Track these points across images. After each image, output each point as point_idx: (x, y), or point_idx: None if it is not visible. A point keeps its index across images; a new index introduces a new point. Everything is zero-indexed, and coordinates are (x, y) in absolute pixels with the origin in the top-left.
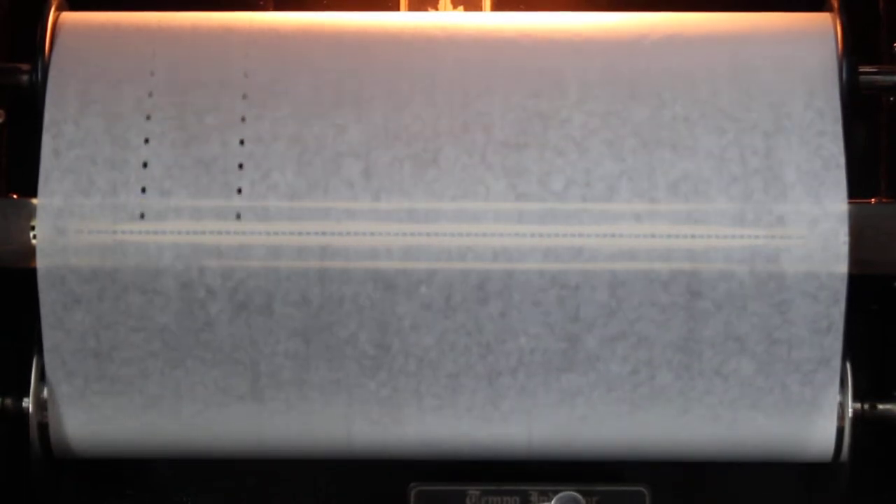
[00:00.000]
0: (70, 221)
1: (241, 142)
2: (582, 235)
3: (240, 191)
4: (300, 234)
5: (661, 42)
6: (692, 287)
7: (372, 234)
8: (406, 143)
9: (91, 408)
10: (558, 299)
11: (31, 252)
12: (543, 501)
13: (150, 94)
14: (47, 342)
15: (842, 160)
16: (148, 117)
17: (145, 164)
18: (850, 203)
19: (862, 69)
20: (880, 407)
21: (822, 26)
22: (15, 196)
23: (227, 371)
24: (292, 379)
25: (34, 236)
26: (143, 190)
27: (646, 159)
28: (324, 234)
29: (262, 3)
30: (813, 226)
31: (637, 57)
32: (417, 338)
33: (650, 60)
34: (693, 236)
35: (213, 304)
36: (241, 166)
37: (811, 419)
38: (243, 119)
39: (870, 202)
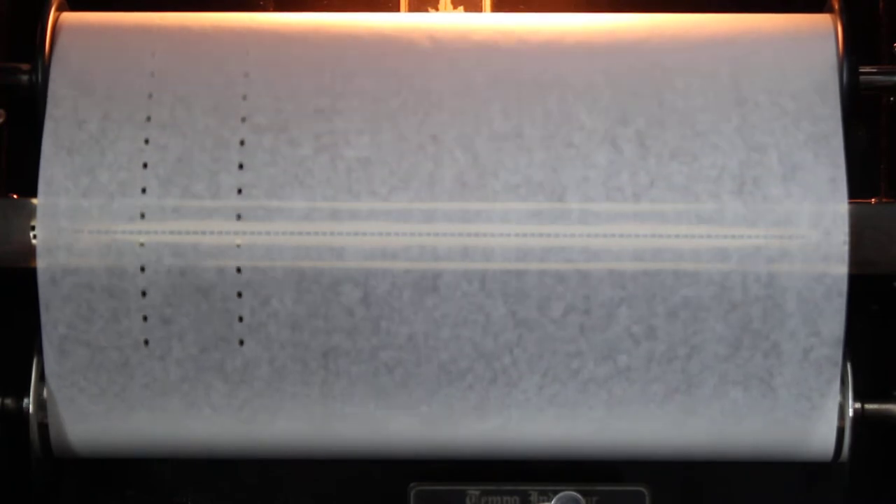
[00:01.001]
0: (70, 221)
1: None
2: (582, 236)
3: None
4: (300, 234)
5: (660, 43)
6: (692, 287)
7: (375, 233)
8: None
9: (91, 408)
10: (558, 300)
11: (31, 252)
12: (543, 501)
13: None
14: (47, 342)
15: (842, 160)
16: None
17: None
18: (850, 203)
19: (862, 69)
20: (880, 407)
21: (823, 27)
22: (15, 196)
23: (225, 372)
24: (292, 379)
25: (34, 236)
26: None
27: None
28: (324, 233)
29: (262, 3)
30: (813, 226)
31: (635, 57)
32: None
33: (648, 61)
34: (693, 236)
35: (213, 303)
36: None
37: (811, 419)
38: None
39: (870, 202)
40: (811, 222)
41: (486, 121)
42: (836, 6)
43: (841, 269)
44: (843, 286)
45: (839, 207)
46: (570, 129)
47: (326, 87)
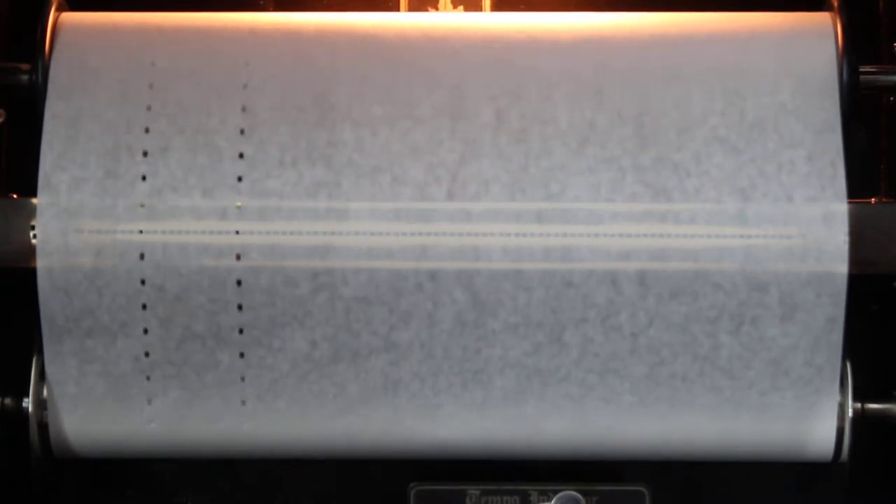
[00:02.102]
0: (70, 221)
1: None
2: (578, 235)
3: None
4: (301, 233)
5: (659, 42)
6: (691, 287)
7: (375, 233)
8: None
9: (91, 408)
10: (558, 300)
11: (31, 252)
12: (543, 501)
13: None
14: (47, 342)
15: (842, 160)
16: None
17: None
18: (850, 203)
19: (862, 69)
20: (880, 407)
21: (823, 26)
22: (15, 196)
23: (226, 371)
24: (291, 379)
25: (34, 236)
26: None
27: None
28: (325, 233)
29: (262, 3)
30: (813, 226)
31: (634, 58)
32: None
33: (647, 61)
34: (692, 236)
35: (213, 305)
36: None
37: (811, 419)
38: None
39: (870, 202)
40: (811, 222)
41: None
42: (836, 5)
43: (841, 269)
44: (843, 286)
45: (839, 207)
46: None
47: (326, 77)
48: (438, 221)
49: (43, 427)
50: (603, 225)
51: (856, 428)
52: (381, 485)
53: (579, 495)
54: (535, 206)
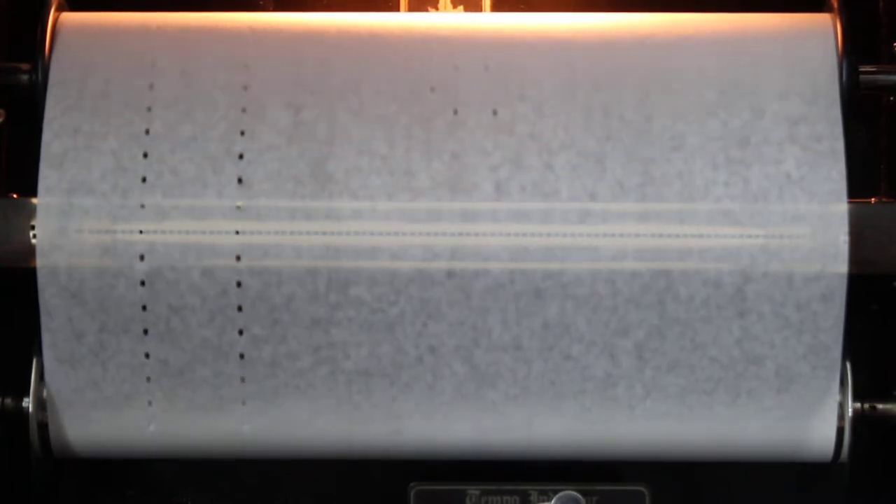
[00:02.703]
0: (70, 221)
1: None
2: (583, 235)
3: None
4: (300, 233)
5: (658, 43)
6: (691, 286)
7: (377, 233)
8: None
9: (91, 408)
10: (558, 300)
11: (31, 252)
12: (543, 501)
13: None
14: (47, 342)
15: (842, 160)
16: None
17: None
18: (850, 203)
19: (862, 69)
20: (880, 407)
21: (823, 26)
22: (15, 196)
23: (225, 371)
24: (290, 380)
25: (34, 236)
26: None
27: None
28: (325, 233)
29: (262, 3)
30: (813, 226)
31: (633, 58)
32: (417, 339)
33: (646, 61)
34: (692, 236)
35: (213, 305)
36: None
37: (811, 419)
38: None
39: (870, 202)
40: (811, 222)
41: None
42: (836, 5)
43: (841, 269)
44: (843, 286)
45: (839, 207)
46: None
47: (328, 88)
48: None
49: (43, 427)
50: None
51: (856, 428)
52: (381, 485)
53: (579, 495)
54: (533, 284)
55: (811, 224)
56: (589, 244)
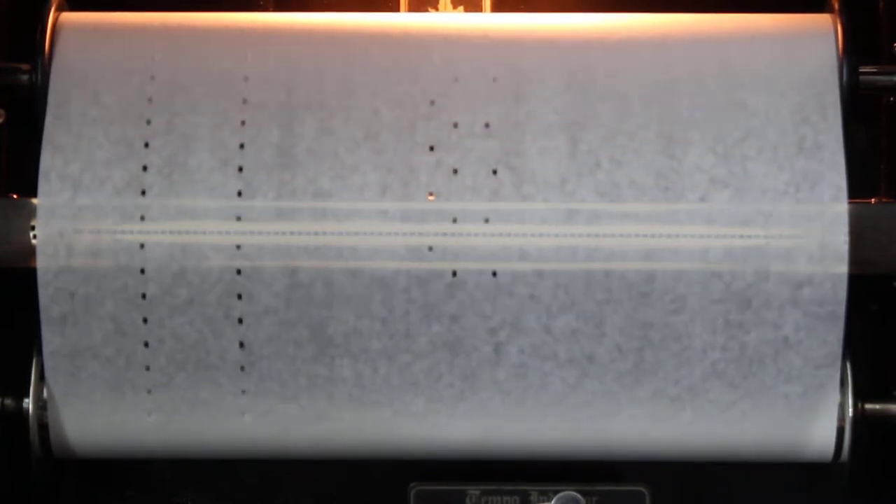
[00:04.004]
0: (70, 221)
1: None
2: (591, 236)
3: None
4: (300, 233)
5: (658, 43)
6: (691, 287)
7: (375, 233)
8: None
9: (91, 408)
10: (558, 300)
11: (31, 252)
12: (543, 501)
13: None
14: (47, 342)
15: (842, 160)
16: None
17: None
18: (850, 203)
19: (862, 69)
20: (880, 407)
21: (823, 27)
22: (15, 196)
23: (224, 371)
24: (290, 380)
25: (34, 236)
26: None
27: (644, 164)
28: (324, 233)
29: (262, 3)
30: (813, 226)
31: (633, 58)
32: (416, 339)
33: (647, 61)
34: (692, 236)
35: (213, 305)
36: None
37: (811, 419)
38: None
39: (870, 202)
40: (811, 222)
41: None
42: (836, 6)
43: (841, 269)
44: (843, 286)
45: (839, 207)
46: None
47: (328, 89)
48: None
49: (43, 427)
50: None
51: (856, 428)
52: (381, 485)
53: (579, 495)
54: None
55: (811, 224)
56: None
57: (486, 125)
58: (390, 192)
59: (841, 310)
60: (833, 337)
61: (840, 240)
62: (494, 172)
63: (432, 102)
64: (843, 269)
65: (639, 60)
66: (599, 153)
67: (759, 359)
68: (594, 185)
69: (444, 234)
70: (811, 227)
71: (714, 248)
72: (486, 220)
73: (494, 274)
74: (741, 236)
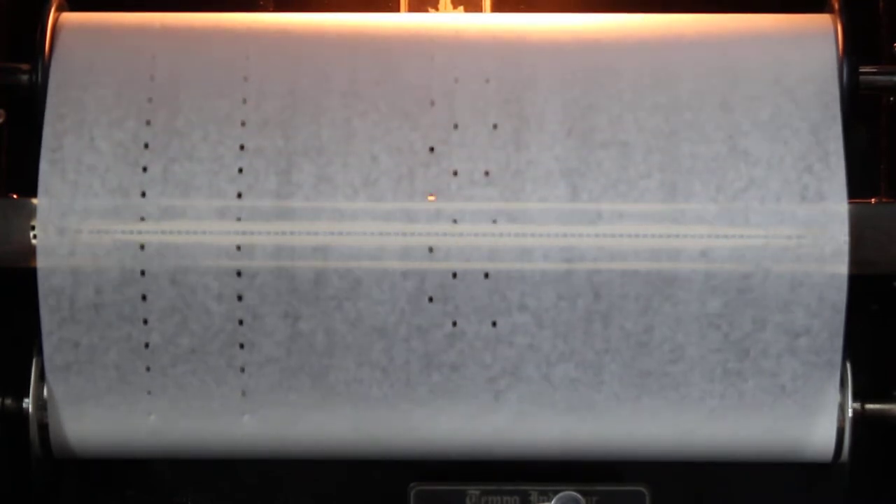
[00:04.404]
0: (70, 221)
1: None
2: (582, 235)
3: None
4: (299, 234)
5: (658, 44)
6: (691, 287)
7: (372, 233)
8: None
9: (91, 408)
10: (558, 300)
11: (31, 252)
12: (543, 501)
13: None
14: (47, 342)
15: (842, 160)
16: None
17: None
18: (850, 203)
19: (862, 69)
20: (880, 407)
21: (823, 27)
22: (15, 196)
23: (224, 372)
24: (292, 379)
25: (34, 236)
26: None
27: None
28: (323, 233)
29: (262, 3)
30: (813, 226)
31: (633, 58)
32: (416, 339)
33: (647, 62)
34: (692, 236)
35: (213, 306)
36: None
37: (811, 419)
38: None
39: (870, 202)
40: (811, 222)
41: None
42: (836, 6)
43: (841, 269)
44: (843, 286)
45: (839, 207)
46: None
47: (327, 87)
48: None
49: (43, 427)
50: None
51: (856, 428)
52: (381, 485)
53: (579, 495)
54: None
55: (811, 224)
56: None
57: (486, 173)
58: (389, 238)
59: (840, 311)
60: (833, 338)
61: (840, 240)
62: (494, 222)
63: (432, 149)
64: (843, 269)
65: (634, 61)
66: (601, 202)
67: (759, 362)
68: (595, 235)
69: (444, 285)
70: (811, 226)
71: (713, 248)
72: (486, 276)
73: (494, 324)
74: (742, 236)
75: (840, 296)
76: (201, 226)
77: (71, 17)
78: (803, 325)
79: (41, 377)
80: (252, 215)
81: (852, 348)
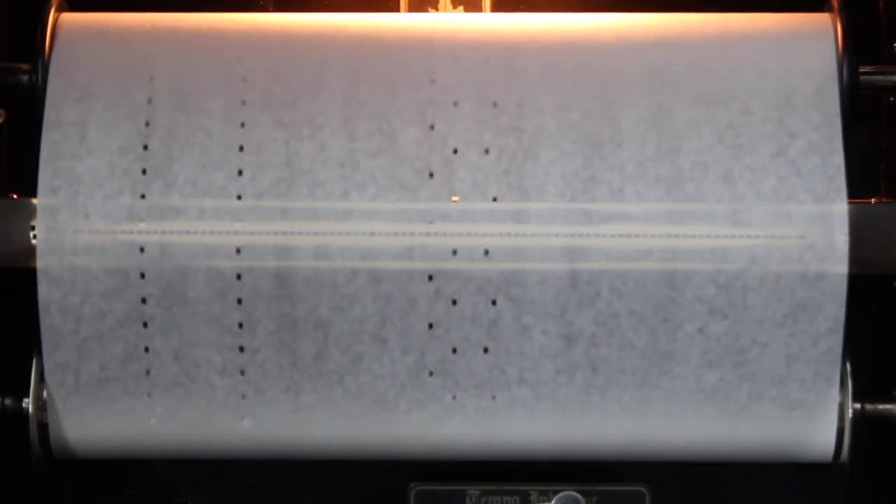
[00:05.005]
0: (70, 221)
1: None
2: (588, 236)
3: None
4: (299, 234)
5: (659, 43)
6: (690, 287)
7: (371, 233)
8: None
9: (91, 408)
10: (559, 300)
11: (31, 252)
12: (543, 501)
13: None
14: (47, 342)
15: (842, 160)
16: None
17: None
18: (850, 203)
19: (862, 69)
20: (880, 407)
21: (823, 27)
22: (15, 196)
23: (224, 375)
24: (292, 380)
25: (34, 236)
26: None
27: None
28: (321, 233)
29: (262, 3)
30: (813, 226)
31: (634, 58)
32: (415, 339)
33: (648, 61)
34: (693, 236)
35: (212, 305)
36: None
37: (811, 419)
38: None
39: (870, 202)
40: (811, 222)
41: None
42: (836, 5)
43: (841, 269)
44: (843, 286)
45: (839, 207)
46: None
47: (327, 87)
48: None
49: (43, 427)
50: None
51: (856, 428)
52: (381, 485)
53: (579, 495)
54: None
55: (811, 224)
56: None
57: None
58: (390, 323)
59: (840, 311)
60: (833, 338)
61: (840, 240)
62: (493, 303)
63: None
64: (843, 269)
65: (635, 60)
66: (599, 283)
67: (759, 362)
68: (593, 314)
69: (444, 361)
70: (811, 226)
71: (712, 248)
72: (486, 350)
73: (494, 397)
74: (741, 236)
75: (840, 296)
76: (201, 227)
77: (71, 18)
78: (804, 326)
79: (41, 377)
80: (252, 216)
81: (852, 348)
